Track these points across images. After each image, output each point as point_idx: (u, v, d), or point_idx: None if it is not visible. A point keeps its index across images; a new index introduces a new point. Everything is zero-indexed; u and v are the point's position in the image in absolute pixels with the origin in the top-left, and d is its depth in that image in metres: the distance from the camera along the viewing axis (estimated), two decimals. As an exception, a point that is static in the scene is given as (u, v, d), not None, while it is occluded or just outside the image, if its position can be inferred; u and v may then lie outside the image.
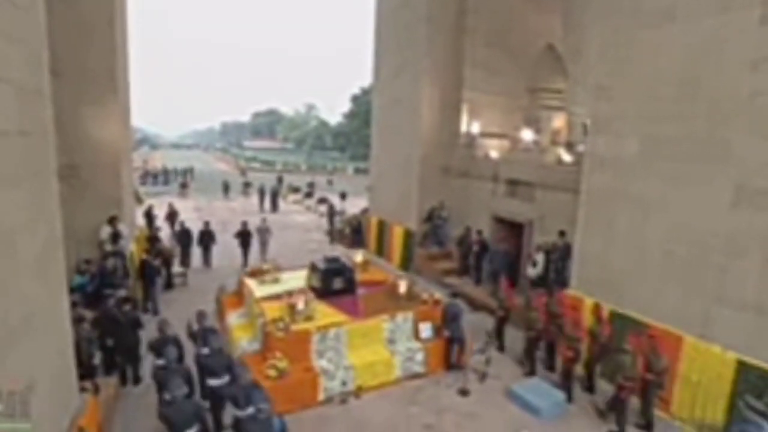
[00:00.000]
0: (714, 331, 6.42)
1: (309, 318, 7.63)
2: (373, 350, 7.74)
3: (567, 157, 11.09)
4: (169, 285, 11.94)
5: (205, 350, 6.39)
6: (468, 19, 13.71)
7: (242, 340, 7.88)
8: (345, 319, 7.78)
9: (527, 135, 12.48)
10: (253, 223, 15.27)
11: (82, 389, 5.47)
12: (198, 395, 6.15)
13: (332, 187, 35.36)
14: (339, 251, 14.00)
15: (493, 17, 13.78)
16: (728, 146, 6.23)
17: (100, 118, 10.09)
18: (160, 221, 17.17)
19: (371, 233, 16.75)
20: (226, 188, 31.56)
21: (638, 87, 7.50)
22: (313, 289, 8.62)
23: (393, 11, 15.50)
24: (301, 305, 7.65)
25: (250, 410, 5.01)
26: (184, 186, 32.30)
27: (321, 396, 7.06)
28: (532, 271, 10.13)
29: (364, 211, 18.47)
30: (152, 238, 12.79)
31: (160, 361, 6.17)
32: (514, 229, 11.88)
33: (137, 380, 7.41)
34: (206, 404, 6.03)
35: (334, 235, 18.89)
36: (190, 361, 6.52)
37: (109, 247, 9.87)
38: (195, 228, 14.31)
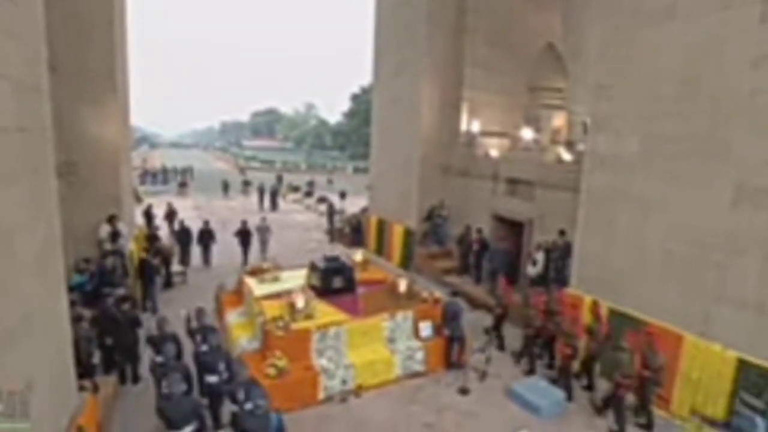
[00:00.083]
0: (714, 330, 6.42)
1: (309, 317, 7.61)
2: (373, 349, 7.73)
3: (567, 156, 11.08)
4: (168, 284, 11.91)
5: (204, 347, 6.39)
6: (468, 17, 13.69)
7: (242, 338, 7.86)
8: (345, 318, 7.77)
9: (527, 134, 12.47)
10: (253, 222, 15.25)
11: (81, 388, 5.45)
12: (196, 392, 6.14)
13: (332, 186, 35.35)
14: (339, 250, 13.99)
15: (493, 16, 13.76)
16: (728, 145, 6.22)
17: (99, 115, 10.07)
18: (159, 220, 17.15)
19: (371, 232, 16.74)
20: (225, 187, 31.55)
21: (638, 86, 7.49)
22: (312, 287, 8.60)
23: (393, 10, 15.48)
24: (300, 304, 7.64)
25: (248, 406, 5.02)
26: (183, 185, 32.27)
27: (321, 395, 7.05)
28: (532, 270, 10.12)
29: (364, 210, 18.46)
30: (151, 237, 12.77)
31: (159, 358, 6.17)
32: (514, 228, 11.87)
33: (136, 379, 7.39)
34: (205, 401, 6.03)
35: (333, 234, 18.88)
36: (188, 359, 6.51)
37: (108, 246, 9.85)
38: (194, 227, 14.29)
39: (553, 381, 7.56)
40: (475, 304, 10.93)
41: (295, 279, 9.20)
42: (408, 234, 14.35)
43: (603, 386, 7.32)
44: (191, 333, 6.85)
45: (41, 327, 4.20)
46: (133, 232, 11.92)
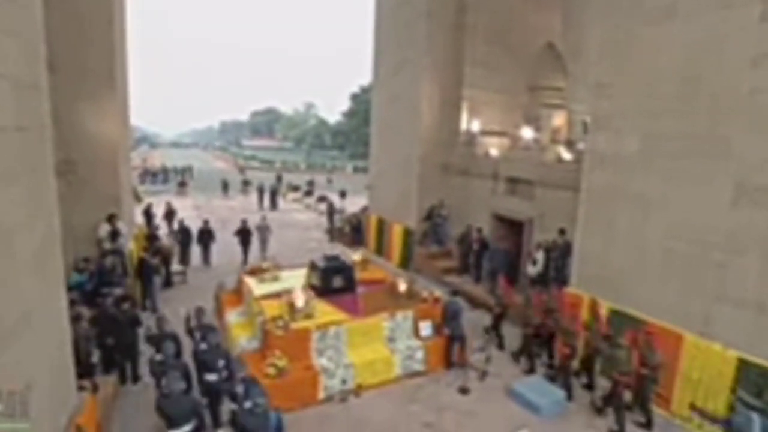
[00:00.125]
0: (714, 329, 6.41)
1: (309, 316, 7.60)
2: (373, 348, 7.72)
3: (567, 155, 11.07)
4: (168, 283, 11.90)
5: (203, 346, 6.39)
6: (468, 16, 13.67)
7: (241, 338, 7.85)
8: (345, 318, 7.76)
9: (527, 133, 12.46)
10: (253, 222, 15.25)
11: (81, 388, 5.44)
12: (196, 391, 6.16)
13: (331, 185, 35.35)
14: (338, 250, 13.98)
15: (493, 15, 13.74)
16: (728, 143, 6.21)
17: (98, 114, 10.06)
18: (159, 220, 17.15)
19: (371, 232, 16.72)
20: (225, 187, 31.54)
21: (638, 84, 7.48)
22: (312, 287, 8.59)
23: (393, 9, 15.46)
24: (300, 303, 7.62)
25: (247, 404, 5.03)
26: (182, 184, 32.25)
27: (321, 394, 7.04)
28: (532, 269, 10.11)
29: (364, 210, 18.44)
30: (151, 237, 12.75)
31: (159, 356, 6.17)
32: (514, 228, 11.87)
33: (136, 378, 7.38)
34: (204, 400, 6.03)
35: (333, 234, 18.87)
36: (187, 358, 6.52)
37: (107, 245, 9.84)
38: (194, 226, 14.27)
39: (551, 378, 7.57)
40: (475, 303, 10.93)
41: (294, 278, 9.19)
42: (408, 233, 14.34)
43: (603, 384, 7.30)
44: (191, 332, 6.84)
45: (40, 326, 4.18)
46: (132, 231, 11.90)
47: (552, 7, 14.36)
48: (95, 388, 5.84)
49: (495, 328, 9.03)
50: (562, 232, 9.66)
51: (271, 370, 6.72)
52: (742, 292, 6.11)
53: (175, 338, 6.54)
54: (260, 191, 26.83)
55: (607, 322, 7.69)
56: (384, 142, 16.50)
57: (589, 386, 7.58)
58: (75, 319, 6.12)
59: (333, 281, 8.68)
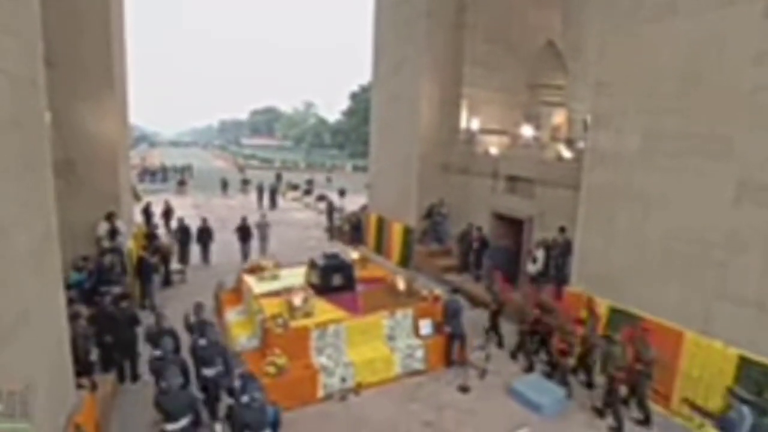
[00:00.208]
0: (715, 328, 6.40)
1: (308, 314, 7.58)
2: (372, 347, 7.70)
3: (567, 154, 11.04)
4: (167, 282, 11.88)
5: (202, 341, 6.41)
6: (467, 14, 13.63)
7: (241, 336, 7.83)
8: (344, 316, 7.73)
9: (527, 131, 12.43)
10: (253, 220, 15.27)
11: (79, 386, 5.42)
12: (194, 386, 6.21)
13: (331, 184, 35.33)
14: (338, 248, 13.95)
15: (493, 13, 13.71)
16: (730, 142, 6.19)
17: (97, 112, 10.02)
18: (158, 218, 17.12)
19: (370, 230, 16.70)
20: (224, 185, 31.52)
21: (639, 82, 7.45)
22: (312, 285, 8.57)
23: (392, 7, 15.42)
24: (298, 301, 7.60)
25: (245, 399, 5.05)
26: (182, 183, 32.23)
27: (320, 393, 7.02)
28: (532, 268, 10.09)
29: (364, 208, 18.42)
30: (150, 235, 12.72)
31: (157, 352, 6.19)
32: (514, 226, 11.83)
33: (135, 377, 7.36)
34: (201, 395, 6.08)
35: (333, 233, 18.84)
36: (185, 353, 6.53)
37: (106, 244, 9.81)
38: (193, 225, 14.25)
39: (548, 375, 7.57)
40: (475, 302, 10.91)
41: (294, 277, 9.18)
42: (407, 232, 14.31)
43: (602, 383, 7.28)
44: (190, 328, 6.85)
45: (39, 324, 4.16)
46: (131, 230, 11.87)
47: (552, 5, 14.33)
48: (94, 387, 5.83)
49: (493, 326, 9.03)
50: (562, 230, 9.64)
51: (271, 369, 6.70)
52: (743, 291, 6.10)
53: (173, 334, 6.56)
54: (260, 190, 26.81)
55: (606, 321, 7.67)
56: (384, 141, 16.47)
57: (589, 384, 7.57)
58: (73, 317, 6.10)
59: (332, 279, 8.66)
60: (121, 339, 7.18)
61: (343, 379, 7.22)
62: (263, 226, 15.21)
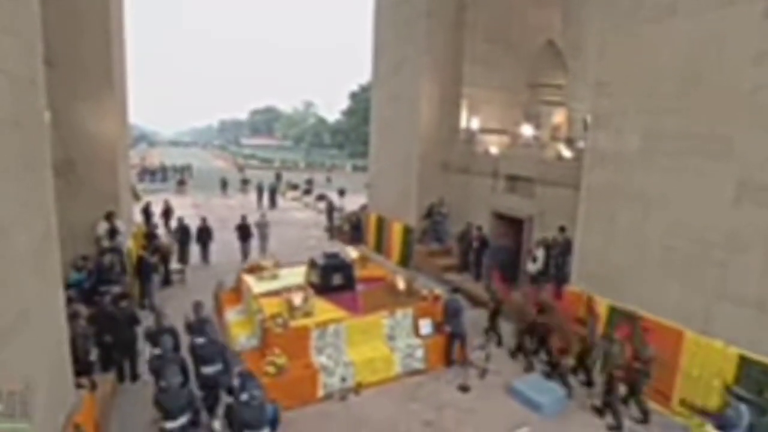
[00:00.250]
0: (715, 327, 6.39)
1: (308, 314, 7.57)
2: (372, 346, 7.69)
3: (567, 153, 11.04)
4: (166, 282, 11.86)
5: (201, 340, 6.43)
6: (467, 13, 13.63)
7: (241, 336, 7.82)
8: (344, 315, 7.72)
9: (527, 130, 12.43)
10: (252, 220, 15.28)
11: (79, 386, 5.41)
12: (193, 384, 6.23)
13: (330, 184, 35.32)
14: (338, 248, 13.94)
15: (493, 12, 13.70)
16: (730, 141, 6.18)
17: (96, 112, 10.02)
18: (158, 218, 17.11)
19: (370, 230, 16.70)
20: (224, 185, 31.51)
21: (639, 82, 7.45)
22: (312, 285, 8.56)
23: (392, 7, 15.41)
24: (298, 301, 7.59)
25: (244, 397, 5.07)
26: (182, 183, 32.23)
27: (320, 392, 7.01)
28: (532, 267, 10.09)
29: (363, 208, 18.41)
30: (150, 235, 12.71)
31: (157, 350, 6.23)
32: (514, 225, 11.84)
33: (135, 377, 7.35)
34: (200, 393, 6.11)
35: (333, 232, 18.84)
36: (185, 352, 6.54)
37: (106, 243, 9.81)
38: (193, 225, 14.24)
39: (547, 375, 7.58)
40: (475, 301, 10.90)
41: (294, 276, 9.18)
42: (407, 231, 14.31)
43: (601, 381, 7.29)
44: (190, 328, 6.87)
45: (38, 324, 4.15)
46: (131, 229, 11.86)
47: (552, 5, 14.32)
48: (93, 386, 5.82)
49: (492, 325, 9.04)
50: (562, 229, 9.63)
51: (271, 368, 6.69)
52: (743, 290, 6.09)
53: (173, 332, 6.60)
54: (259, 190, 26.80)
55: (606, 320, 7.67)
56: (384, 141, 16.46)
57: (588, 383, 7.57)
58: (72, 316, 6.09)
59: (332, 279, 8.65)
60: (120, 338, 7.17)
61: (343, 379, 7.21)
62: (263, 226, 15.24)
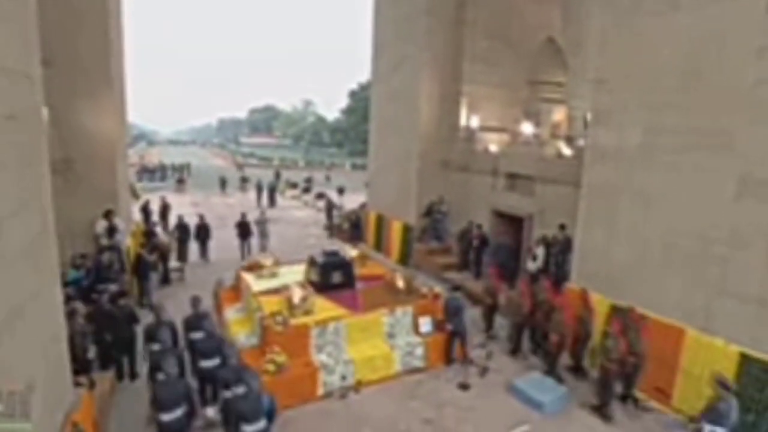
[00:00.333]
0: (716, 325, 6.36)
1: (308, 312, 7.54)
2: (372, 344, 7.67)
3: (567, 151, 11.02)
4: (165, 280, 11.83)
5: (199, 335, 6.46)
6: (467, 11, 13.58)
7: (240, 334, 7.79)
8: (344, 314, 7.70)
9: (527, 128, 12.43)
10: (252, 218, 15.27)
11: (77, 384, 5.37)
12: (189, 376, 6.33)
13: (330, 182, 35.27)
14: (337, 246, 13.91)
15: (493, 9, 13.64)
16: (732, 137, 6.14)
17: (95, 111, 9.95)
18: (156, 216, 17.07)
19: (370, 228, 16.67)
20: (223, 184, 31.48)
21: (640, 78, 7.40)
22: (311, 283, 8.54)
23: (392, 4, 15.37)
24: (297, 299, 7.56)
25: (240, 390, 5.09)
26: (181, 182, 32.20)
27: (320, 390, 6.99)
28: (532, 265, 10.07)
29: (363, 206, 18.38)
30: (148, 233, 12.67)
31: (156, 346, 6.25)
32: (514, 224, 11.81)
33: (133, 375, 7.32)
34: (196, 384, 6.20)
35: (332, 230, 18.81)
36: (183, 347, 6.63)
37: (104, 241, 9.77)
38: (192, 223, 14.21)
39: (547, 372, 7.60)
40: (475, 300, 10.86)
41: (293, 274, 9.15)
42: (407, 230, 14.28)
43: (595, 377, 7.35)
44: (188, 323, 6.90)
45: (34, 321, 4.11)
46: (130, 228, 11.81)
47: (552, 2, 14.26)
48: (92, 385, 5.78)
49: (488, 321, 9.06)
50: (562, 227, 9.61)
51: (270, 367, 6.66)
52: (745, 287, 6.06)
53: (171, 326, 6.65)
54: (258, 188, 26.75)
55: (606, 318, 7.65)
56: (383, 139, 16.41)
57: (577, 369, 7.78)
58: (70, 314, 6.05)
59: (332, 277, 8.62)
60: (119, 337, 7.14)
61: (343, 377, 7.18)
62: (262, 223, 15.25)
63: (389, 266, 11.56)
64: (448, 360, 8.03)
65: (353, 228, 17.40)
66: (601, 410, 6.70)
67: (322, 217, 21.17)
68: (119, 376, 7.22)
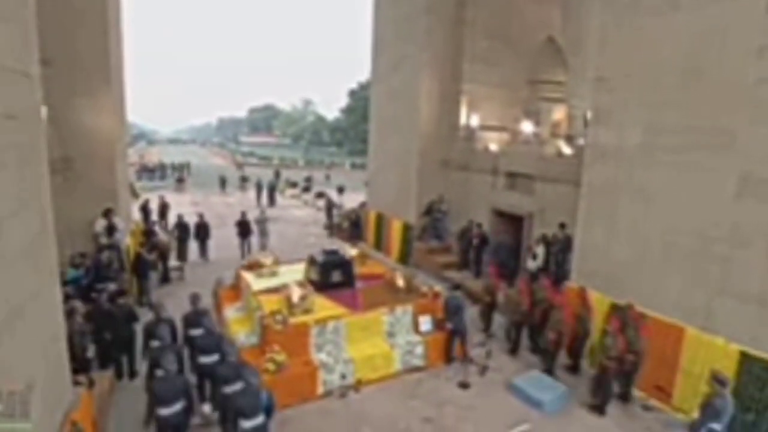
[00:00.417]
0: (716, 323, 6.36)
1: (307, 311, 7.53)
2: (372, 343, 7.66)
3: (567, 150, 11.01)
4: (165, 279, 11.82)
5: (198, 331, 6.50)
6: (467, 10, 13.55)
7: (240, 333, 7.77)
8: (344, 312, 7.69)
9: (527, 127, 12.40)
10: (252, 217, 15.27)
11: (77, 383, 5.37)
12: (188, 372, 6.38)
13: (329, 181, 35.26)
14: (337, 245, 13.91)
15: (493, 9, 13.63)
16: (732, 135, 6.14)
17: (94, 110, 9.94)
18: (155, 215, 17.07)
19: (370, 227, 16.66)
20: (222, 183, 31.47)
21: (640, 76, 7.39)
22: (311, 282, 8.53)
23: (391, 3, 15.35)
24: (296, 298, 7.55)
25: (239, 386, 5.11)
26: (180, 181, 32.18)
27: (320, 390, 6.98)
28: (532, 264, 10.06)
29: (363, 205, 18.37)
30: (148, 232, 12.66)
31: (155, 343, 6.28)
32: (514, 223, 11.81)
33: (133, 374, 7.31)
34: (195, 380, 6.25)
35: (332, 229, 18.80)
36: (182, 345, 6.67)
37: (104, 240, 9.76)
38: (191, 222, 14.20)
39: (547, 371, 7.60)
40: (475, 299, 10.86)
41: (293, 273, 9.13)
42: (407, 229, 14.27)
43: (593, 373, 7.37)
44: (187, 320, 6.93)
45: (34, 320, 4.10)
46: (129, 227, 11.80)
47: (552, 1, 14.25)
48: (91, 384, 5.77)
49: (486, 319, 9.06)
50: (562, 226, 9.60)
51: (270, 366, 6.66)
52: (746, 286, 6.06)
53: (170, 323, 6.69)
54: (258, 187, 26.74)
55: (605, 316, 7.64)
56: (383, 138, 16.40)
57: (574, 368, 7.81)
58: (69, 313, 6.05)
59: (332, 276, 8.61)
60: (118, 336, 7.13)
61: (343, 376, 7.18)
62: (262, 222, 15.26)
63: (389, 265, 11.55)
64: (448, 359, 8.03)
65: (353, 227, 17.39)
66: (598, 408, 6.73)
67: (321, 216, 21.16)
68: (118, 375, 7.21)
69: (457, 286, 9.25)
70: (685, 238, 6.78)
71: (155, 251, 11.40)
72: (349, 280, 8.75)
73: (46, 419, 4.18)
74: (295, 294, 7.62)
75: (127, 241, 10.71)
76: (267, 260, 10.03)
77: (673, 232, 6.96)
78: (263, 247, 14.75)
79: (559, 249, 9.57)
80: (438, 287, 9.14)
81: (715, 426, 5.02)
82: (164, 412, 5.12)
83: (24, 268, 3.94)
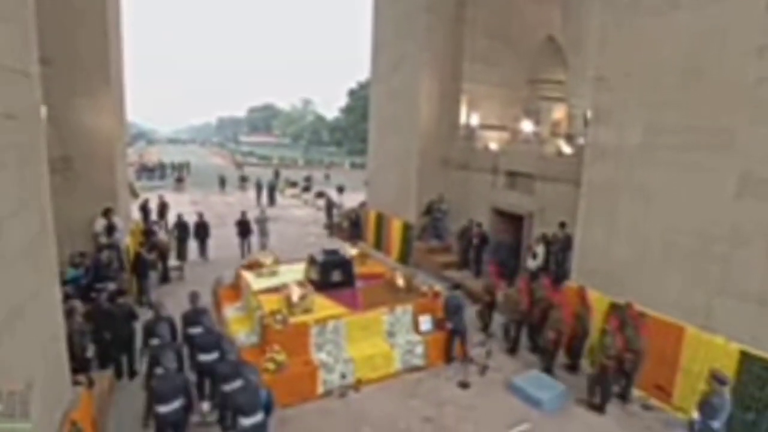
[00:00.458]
0: (716, 323, 6.36)
1: (307, 310, 7.53)
2: (372, 343, 7.66)
3: (567, 149, 11.01)
4: (165, 278, 11.81)
5: (197, 329, 6.52)
6: (467, 9, 13.55)
7: (240, 333, 7.77)
8: (344, 312, 7.68)
9: (527, 126, 12.40)
10: (252, 216, 15.26)
11: (76, 383, 5.36)
12: (188, 370, 6.39)
13: (329, 181, 35.26)
14: (337, 244, 13.90)
15: (493, 8, 13.63)
16: (732, 135, 6.14)
17: (94, 109, 9.94)
18: (155, 215, 17.07)
19: (369, 226, 16.66)
20: (222, 182, 31.45)
21: (640, 76, 7.39)
22: (311, 281, 8.52)
23: (391, 3, 15.34)
24: (296, 297, 7.55)
25: (238, 383, 5.11)
26: (180, 180, 32.16)
27: (320, 389, 6.98)
28: (532, 263, 10.06)
29: (362, 205, 18.37)
30: (148, 232, 12.65)
31: (155, 341, 6.29)
32: (514, 222, 11.81)
33: (132, 373, 7.30)
34: (194, 377, 6.27)
35: (332, 229, 18.79)
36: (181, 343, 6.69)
37: (103, 240, 9.76)
38: (190, 222, 14.18)
39: (547, 370, 7.61)
40: (475, 298, 10.86)
41: (293, 273, 9.13)
42: (407, 228, 14.27)
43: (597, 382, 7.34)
44: (186, 319, 6.94)
45: (33, 320, 4.10)
46: (129, 226, 11.79)
47: (552, 0, 14.25)
48: (91, 383, 5.76)
49: (485, 319, 9.07)
50: (562, 225, 9.61)
51: (270, 365, 6.65)
52: (746, 285, 6.06)
53: (170, 321, 6.71)
54: (258, 187, 26.73)
55: (605, 316, 7.65)
56: (383, 137, 16.39)
57: (573, 367, 7.83)
58: (69, 313, 6.05)
59: (332, 275, 8.61)
60: (118, 335, 7.12)
61: (343, 376, 7.18)
62: (262, 221, 15.26)
63: (389, 265, 11.55)
64: (448, 358, 8.03)
65: (353, 226, 17.38)
66: (597, 407, 6.75)
67: (321, 215, 21.16)
68: (118, 375, 7.20)
69: (457, 286, 9.25)
70: (685, 237, 6.79)
71: (155, 251, 11.39)
72: (349, 280, 8.75)
73: (45, 419, 4.17)
74: (295, 293, 7.62)
75: (127, 240, 10.71)
76: (267, 260, 10.03)
77: (673, 231, 6.97)
78: (263, 246, 14.74)
79: (559, 248, 9.57)
80: (438, 287, 9.14)
81: (714, 424, 5.03)
82: (163, 409, 5.14)
83: (24, 267, 3.93)
